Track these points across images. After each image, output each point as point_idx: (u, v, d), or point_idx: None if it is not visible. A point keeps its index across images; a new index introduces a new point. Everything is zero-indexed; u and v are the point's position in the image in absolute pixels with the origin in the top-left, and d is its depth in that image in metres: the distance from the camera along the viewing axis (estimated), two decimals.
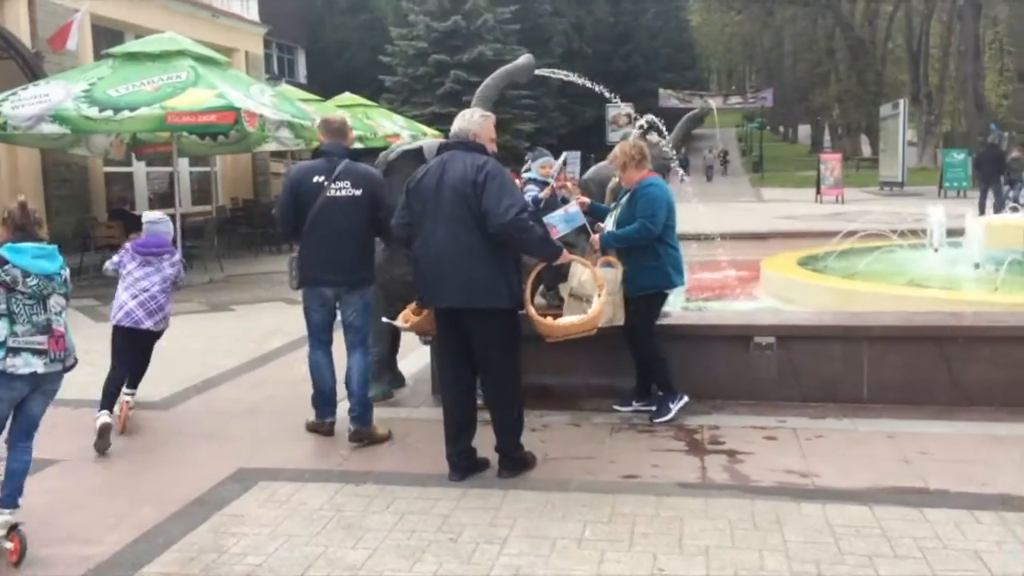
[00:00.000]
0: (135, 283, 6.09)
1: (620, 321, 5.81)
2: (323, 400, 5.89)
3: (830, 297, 8.39)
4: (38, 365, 4.11)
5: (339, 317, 5.88)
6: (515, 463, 4.97)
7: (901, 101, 31.49)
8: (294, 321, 9.91)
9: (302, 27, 41.91)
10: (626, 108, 41.84)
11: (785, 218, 21.90)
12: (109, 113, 11.15)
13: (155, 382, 7.32)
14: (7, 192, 15.24)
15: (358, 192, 5.58)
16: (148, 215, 6.48)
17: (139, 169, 18.56)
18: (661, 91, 46.09)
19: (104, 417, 5.67)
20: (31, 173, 15.28)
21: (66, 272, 4.32)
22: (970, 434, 5.39)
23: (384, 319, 6.12)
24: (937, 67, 46.14)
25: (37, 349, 4.11)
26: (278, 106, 12.88)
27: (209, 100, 11.25)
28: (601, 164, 17.39)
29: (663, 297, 6.02)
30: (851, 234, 11.07)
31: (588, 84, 8.23)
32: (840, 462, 4.98)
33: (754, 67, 76.36)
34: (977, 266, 9.23)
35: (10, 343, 4.05)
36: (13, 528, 4.12)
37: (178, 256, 6.39)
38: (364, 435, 5.58)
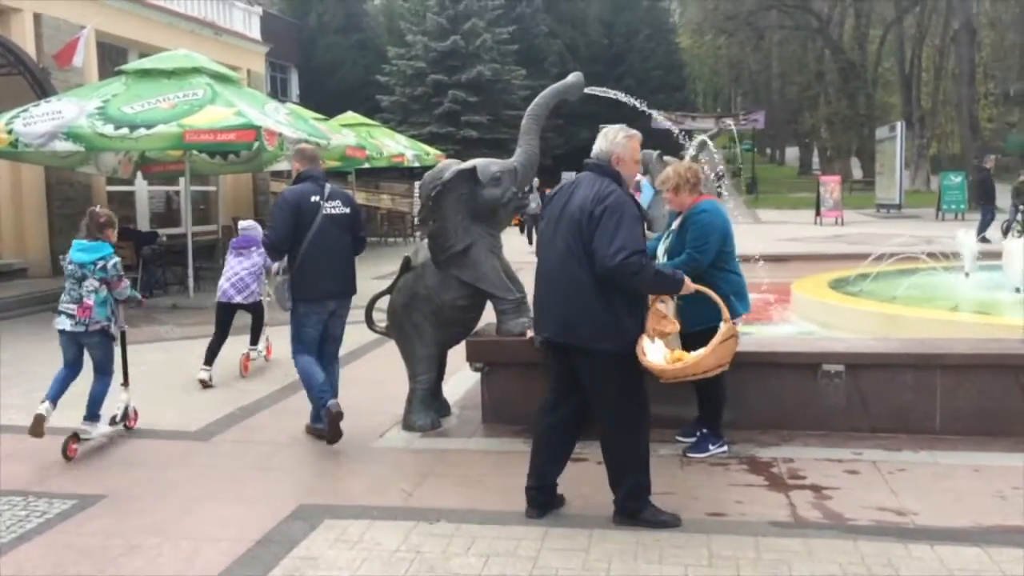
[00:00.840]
0: (229, 269, 8.31)
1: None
2: (320, 389, 6.09)
3: (871, 322, 8.20)
4: (66, 324, 5.96)
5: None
6: (630, 520, 4.50)
7: (898, 124, 31.57)
8: None
9: (295, 46, 41.76)
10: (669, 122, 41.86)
11: (790, 240, 21.80)
12: (125, 131, 10.89)
13: (190, 408, 7.08)
14: (11, 210, 14.93)
15: (347, 210, 6.29)
16: (243, 223, 8.74)
17: (141, 188, 18.27)
18: (654, 113, 46.18)
19: (202, 373, 7.98)
20: (35, 191, 14.98)
21: (105, 263, 5.98)
22: None
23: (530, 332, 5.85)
24: (928, 90, 46.51)
25: (69, 313, 5.95)
26: (294, 124, 12.67)
27: (228, 118, 11.01)
28: None
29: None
30: (881, 257, 10.91)
31: (635, 103, 8.04)
32: (932, 498, 4.77)
33: (740, 89, 76.84)
34: (1018, 290, 9.09)
35: (59, 307, 6.04)
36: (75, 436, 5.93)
37: (263, 251, 7.94)
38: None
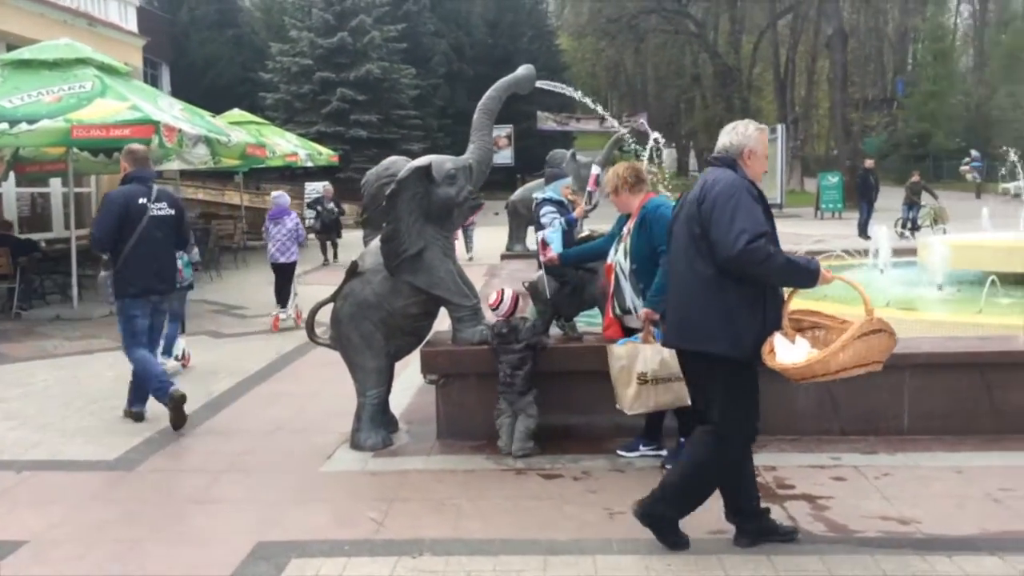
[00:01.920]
0: (272, 237, 10.67)
1: (686, 400, 4.99)
2: (158, 379, 6.42)
3: None
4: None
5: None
6: (657, 525, 4.16)
7: (779, 126, 32.62)
8: (233, 358, 9.01)
9: (166, 42, 39.69)
10: (507, 129, 41.64)
11: None
12: (4, 126, 9.84)
13: (101, 434, 6.38)
14: None
15: (172, 212, 6.70)
16: (274, 193, 11.10)
17: (8, 189, 16.81)
18: (539, 114, 46.26)
19: (280, 313, 10.63)
20: None
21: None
22: None
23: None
24: (801, 94, 48.38)
25: None
26: (192, 120, 11.81)
27: (122, 113, 10.11)
28: (529, 185, 17.03)
29: None
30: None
31: (588, 101, 7.76)
32: (929, 505, 4.64)
33: (617, 92, 78.33)
34: (940, 287, 9.28)
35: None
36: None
37: (295, 215, 10.78)
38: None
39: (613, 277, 5.43)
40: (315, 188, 24.66)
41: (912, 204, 19.79)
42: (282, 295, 10.84)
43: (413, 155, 33.02)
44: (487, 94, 6.41)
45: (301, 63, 33.56)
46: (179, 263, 7.53)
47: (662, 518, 4.13)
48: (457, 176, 5.91)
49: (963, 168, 41.93)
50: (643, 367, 5.05)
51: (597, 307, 6.12)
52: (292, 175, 29.66)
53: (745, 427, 4.05)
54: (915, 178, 20.92)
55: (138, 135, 9.94)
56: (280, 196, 10.79)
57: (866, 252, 11.28)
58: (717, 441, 4.02)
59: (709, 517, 4.53)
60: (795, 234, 19.51)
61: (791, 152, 45.45)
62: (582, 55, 59.72)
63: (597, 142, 60.52)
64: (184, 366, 8.42)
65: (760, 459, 5.38)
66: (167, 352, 8.09)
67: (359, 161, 32.61)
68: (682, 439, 5.40)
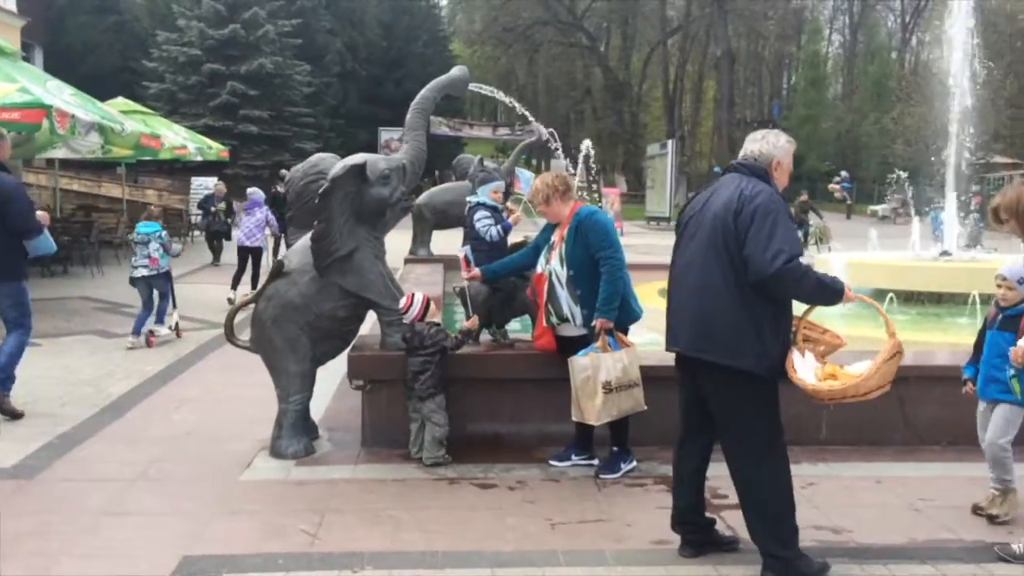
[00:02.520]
0: (243, 225, 12.49)
1: (643, 405, 5.23)
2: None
3: None
4: (143, 272, 9.23)
5: None
6: (783, 568, 3.88)
7: (670, 142, 33.56)
8: (127, 359, 8.53)
9: (41, 25, 37.59)
10: (399, 133, 41.54)
11: None
12: None
13: None
14: None
15: None
16: (250, 190, 12.69)
17: None
18: (433, 119, 46.11)
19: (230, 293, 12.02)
20: None
21: (160, 232, 9.35)
22: (949, 476, 5.40)
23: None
24: (689, 112, 49.87)
25: (144, 265, 9.20)
26: (84, 106, 11.15)
27: (11, 95, 9.43)
28: (434, 190, 16.83)
29: (627, 330, 5.48)
30: None
31: (515, 105, 7.72)
32: (856, 514, 4.76)
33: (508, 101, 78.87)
34: None
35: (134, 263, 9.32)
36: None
37: (266, 208, 12.53)
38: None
39: (547, 286, 5.39)
40: (204, 184, 23.79)
41: (801, 223, 20.62)
42: (237, 279, 12.39)
43: (305, 154, 32.37)
44: (421, 94, 6.28)
45: (189, 53, 32.34)
46: (155, 253, 9.20)
47: (790, 560, 3.90)
48: (391, 177, 5.76)
49: (832, 187, 43.95)
50: (607, 376, 5.03)
51: (528, 313, 6.08)
52: (171, 169, 28.47)
53: (774, 438, 3.97)
54: (803, 197, 21.80)
55: (28, 119, 9.32)
56: (255, 192, 12.60)
57: None
58: (754, 459, 3.95)
59: (652, 528, 4.56)
60: (650, 245, 20.05)
61: (678, 167, 46.84)
62: (476, 62, 59.95)
63: (486, 149, 60.94)
64: (178, 336, 9.65)
65: None
66: (159, 321, 9.59)
67: (248, 157, 31.67)
68: (615, 448, 5.40)
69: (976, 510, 4.72)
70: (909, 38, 61.33)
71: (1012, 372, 4.46)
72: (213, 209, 17.85)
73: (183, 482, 5.17)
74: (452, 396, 5.72)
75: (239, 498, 4.93)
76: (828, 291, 3.86)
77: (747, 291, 3.79)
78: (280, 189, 17.36)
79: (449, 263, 12.54)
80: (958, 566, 4.11)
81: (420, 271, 12.26)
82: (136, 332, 9.19)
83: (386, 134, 40.23)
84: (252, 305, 5.89)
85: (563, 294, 5.29)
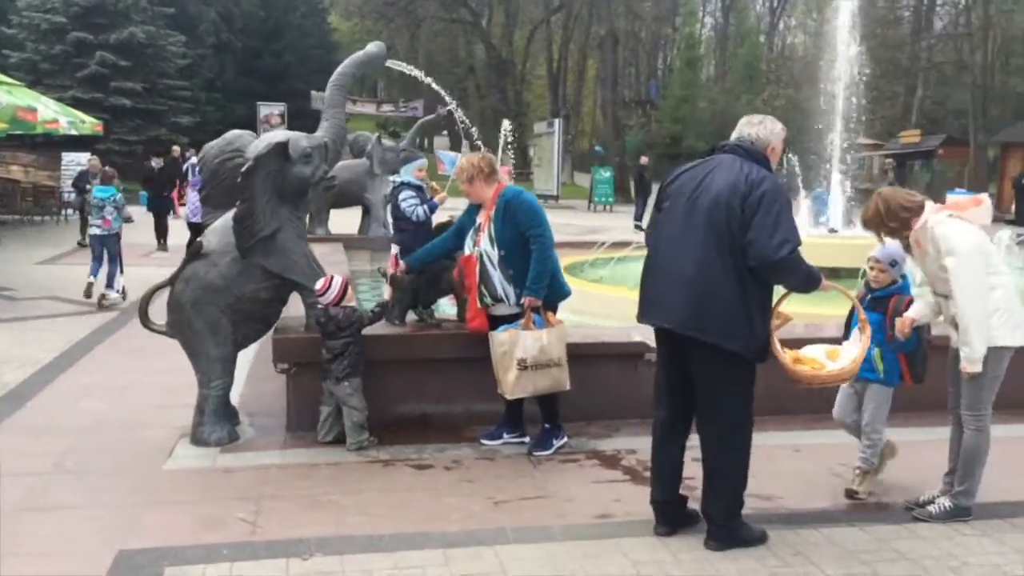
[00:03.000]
0: (190, 201, 13.12)
1: (566, 383, 5.29)
2: None
3: (617, 307, 8.48)
4: (96, 231, 10.36)
5: None
6: (727, 535, 4.08)
7: (556, 120, 33.82)
8: (16, 345, 8.06)
9: None
10: (280, 108, 40.16)
11: None
12: None
13: None
14: None
15: None
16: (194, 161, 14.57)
17: None
18: (313, 93, 44.95)
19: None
20: None
21: (115, 196, 10.38)
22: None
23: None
24: (573, 90, 50.32)
25: (98, 226, 10.29)
26: None
27: None
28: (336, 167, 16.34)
29: (556, 308, 5.51)
30: (602, 244, 11.48)
31: (431, 82, 7.62)
32: (783, 481, 4.97)
33: (388, 77, 77.90)
34: None
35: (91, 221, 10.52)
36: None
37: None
38: None
39: (478, 267, 5.37)
40: (76, 160, 22.54)
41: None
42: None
43: (181, 129, 30.93)
44: (339, 70, 6.15)
45: (53, 20, 30.39)
46: (109, 215, 10.23)
47: (734, 530, 4.10)
48: (313, 155, 5.62)
49: None
50: (523, 353, 5.08)
51: (454, 294, 6.06)
52: (35, 143, 26.80)
53: (747, 416, 4.14)
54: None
55: None
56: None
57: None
58: (727, 433, 4.10)
59: (593, 502, 4.65)
60: (569, 224, 20.36)
61: (563, 146, 47.33)
62: (356, 36, 58.75)
63: (368, 125, 60.00)
64: (124, 298, 10.30)
65: (618, 443, 5.62)
66: (109, 285, 10.30)
67: (121, 132, 30.15)
68: (546, 425, 5.45)
69: (850, 494, 4.78)
70: (777, 22, 63.69)
71: (876, 350, 4.61)
72: (88, 187, 16.91)
73: (103, 473, 4.94)
74: (379, 377, 5.67)
75: (166, 488, 4.75)
76: (812, 280, 4.06)
77: (744, 275, 3.90)
78: (155, 164, 16.67)
79: (348, 242, 12.37)
80: (884, 527, 4.36)
81: (321, 251, 11.98)
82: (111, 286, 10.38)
83: (265, 108, 39.04)
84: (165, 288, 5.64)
85: (495, 274, 5.30)
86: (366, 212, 13.50)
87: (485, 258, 5.33)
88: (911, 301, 4.61)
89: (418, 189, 5.97)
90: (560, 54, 48.61)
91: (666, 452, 4.27)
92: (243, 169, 5.26)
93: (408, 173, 6.08)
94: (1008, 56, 40.02)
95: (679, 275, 4.00)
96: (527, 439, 5.53)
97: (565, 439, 5.48)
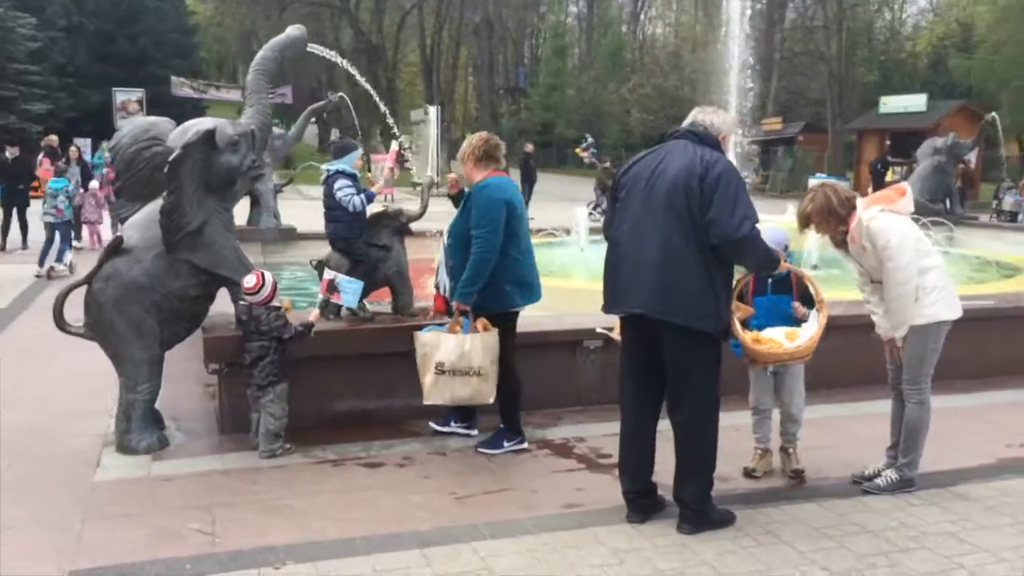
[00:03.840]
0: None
1: (488, 397, 5.01)
2: None
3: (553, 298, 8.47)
4: (50, 219, 12.12)
5: None
6: (700, 518, 4.14)
7: (433, 108, 33.53)
8: None
9: None
10: (138, 94, 38.26)
11: None
12: None
13: None
14: None
15: None
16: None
17: None
18: (173, 79, 43.05)
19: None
20: None
21: (69, 187, 12.82)
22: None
23: (600, 329, 5.13)
24: (446, 78, 50.00)
25: (51, 213, 12.15)
26: None
27: None
28: None
29: (507, 318, 5.23)
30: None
31: (349, 68, 7.37)
32: (732, 462, 4.92)
33: (249, 61, 75.52)
34: None
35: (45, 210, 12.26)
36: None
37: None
38: None
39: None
40: None
41: (605, 188, 21.32)
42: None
43: (32, 116, 29.15)
44: (261, 54, 5.87)
45: None
46: (61, 204, 12.13)
47: (705, 512, 4.16)
48: (240, 143, 5.35)
49: (580, 151, 45.93)
50: (442, 357, 4.92)
51: (389, 286, 5.90)
52: None
53: (717, 397, 4.20)
54: (608, 164, 22.63)
55: None
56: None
57: (568, 231, 12.07)
58: (699, 416, 4.14)
59: (557, 492, 4.62)
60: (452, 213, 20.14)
61: (440, 133, 47.07)
62: (216, 19, 56.62)
63: (229, 111, 57.93)
64: (71, 272, 11.48)
65: (564, 432, 5.63)
66: (59, 260, 11.92)
67: None
68: (502, 425, 5.32)
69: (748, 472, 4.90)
70: (639, 13, 65.31)
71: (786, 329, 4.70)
72: None
73: (29, 488, 4.57)
74: (318, 374, 5.48)
75: (105, 501, 4.43)
76: (772, 259, 4.20)
77: (707, 256, 3.94)
78: (9, 155, 15.34)
79: (239, 235, 11.88)
80: (840, 501, 4.52)
81: None
82: (43, 261, 11.82)
83: (122, 95, 37.02)
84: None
85: (442, 261, 5.23)
86: (255, 203, 12.99)
87: (444, 242, 5.26)
88: (800, 274, 4.73)
89: (353, 178, 5.76)
90: (433, 41, 48.23)
91: (637, 443, 4.28)
92: (171, 158, 4.93)
93: (350, 163, 5.82)
94: (854, 47, 42.26)
95: (645, 261, 4.03)
96: (474, 432, 5.43)
97: (523, 444, 5.29)
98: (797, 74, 43.67)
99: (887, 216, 4.47)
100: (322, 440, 5.28)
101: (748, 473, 4.86)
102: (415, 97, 49.44)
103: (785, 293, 4.77)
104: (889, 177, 28.44)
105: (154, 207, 5.21)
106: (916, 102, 32.01)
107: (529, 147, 24.63)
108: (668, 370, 4.13)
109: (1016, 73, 39.39)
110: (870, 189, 28.65)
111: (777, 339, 4.48)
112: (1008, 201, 21.51)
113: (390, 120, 8.40)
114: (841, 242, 4.66)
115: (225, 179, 5.31)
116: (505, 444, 5.25)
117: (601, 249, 11.49)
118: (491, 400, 5.04)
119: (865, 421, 5.78)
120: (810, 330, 4.50)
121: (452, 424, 5.47)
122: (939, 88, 36.62)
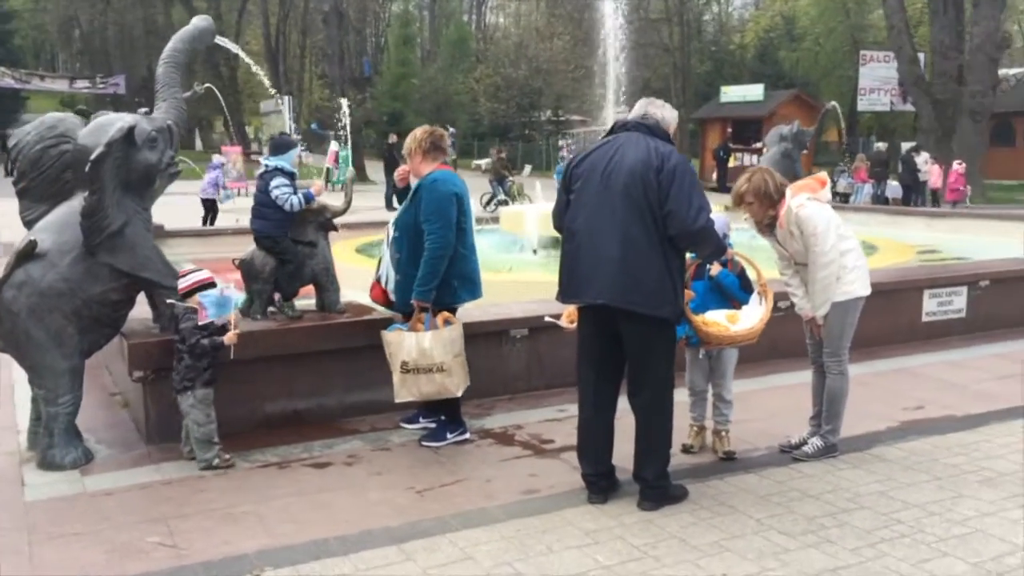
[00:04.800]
0: (204, 180, 17.53)
1: (455, 391, 5.05)
2: None
3: None
4: None
5: None
6: (660, 495, 4.33)
7: (286, 98, 32.72)
8: None
9: None
10: None
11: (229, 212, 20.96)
12: None
13: None
14: None
15: None
16: (216, 156, 20.80)
17: None
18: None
19: None
20: None
21: None
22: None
23: (548, 318, 4.99)
24: (294, 67, 48.65)
25: None
26: None
27: None
28: None
29: (451, 313, 5.23)
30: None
31: (247, 59, 7.13)
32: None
33: (71, 50, 71.15)
34: (535, 252, 10.38)
35: None
36: None
37: (219, 171, 18.36)
38: None
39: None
40: None
41: (502, 179, 21.20)
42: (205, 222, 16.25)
43: None
44: (170, 46, 5.65)
45: None
46: None
47: (665, 489, 4.35)
48: (158, 140, 5.14)
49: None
50: (406, 356, 4.95)
51: (316, 284, 5.80)
52: None
53: (672, 378, 4.39)
54: (502, 155, 22.58)
55: None
56: (217, 157, 17.86)
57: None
58: (658, 397, 4.31)
59: (512, 479, 4.71)
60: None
61: (292, 123, 45.81)
62: (40, 4, 52.92)
63: (52, 103, 54.36)
64: None
65: (501, 420, 5.73)
66: None
67: None
68: (442, 416, 5.34)
69: (686, 448, 5.14)
70: (481, 4, 65.73)
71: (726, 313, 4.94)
72: None
73: None
74: (248, 376, 5.33)
75: (46, 521, 4.18)
76: (721, 247, 4.50)
77: (665, 245, 4.14)
78: None
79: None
80: (775, 470, 4.82)
81: None
82: None
83: None
84: None
85: (386, 253, 5.20)
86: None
87: (388, 234, 5.22)
88: (745, 259, 4.97)
89: (291, 176, 5.60)
90: (278, 30, 46.82)
91: (597, 427, 4.42)
92: (93, 157, 4.67)
93: (288, 160, 5.65)
94: (688, 39, 44.10)
95: (605, 253, 4.15)
96: (467, 435, 5.37)
97: (465, 435, 5.33)
98: (640, 65, 45.20)
99: (813, 204, 4.79)
100: (258, 443, 5.17)
101: (686, 449, 5.10)
102: (254, 87, 47.69)
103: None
104: (731, 163, 30.05)
105: (68, 208, 4.94)
106: (754, 91, 33.85)
107: (393, 137, 24.47)
108: (629, 356, 4.30)
109: (838, 63, 42.34)
110: (715, 175, 30.20)
111: (721, 322, 4.72)
112: (842, 184, 23.17)
113: (282, 107, 8.12)
114: (767, 226, 4.95)
115: (144, 177, 5.08)
116: (448, 436, 5.29)
117: (497, 237, 11.65)
118: (459, 393, 5.10)
119: (776, 392, 6.19)
120: (754, 314, 4.76)
121: (420, 420, 5.47)
122: (767, 78, 38.71)
